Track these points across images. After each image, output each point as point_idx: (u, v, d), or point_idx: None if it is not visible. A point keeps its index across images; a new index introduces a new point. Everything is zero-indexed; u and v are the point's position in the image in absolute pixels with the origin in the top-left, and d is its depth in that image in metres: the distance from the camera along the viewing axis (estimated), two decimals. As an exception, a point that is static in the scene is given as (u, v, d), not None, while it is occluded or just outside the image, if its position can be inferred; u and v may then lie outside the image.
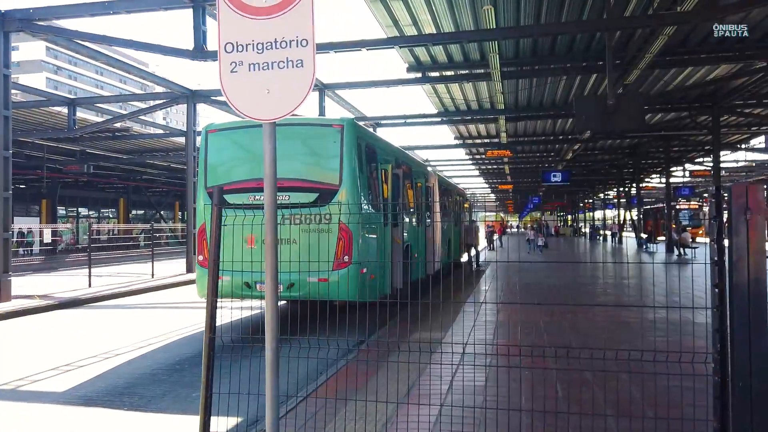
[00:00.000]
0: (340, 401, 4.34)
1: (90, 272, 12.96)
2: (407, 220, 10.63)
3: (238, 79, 2.79)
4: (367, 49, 11.92)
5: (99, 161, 25.12)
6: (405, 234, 10.26)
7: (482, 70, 13.94)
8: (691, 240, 22.76)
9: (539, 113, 20.13)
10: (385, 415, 4.07)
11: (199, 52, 9.86)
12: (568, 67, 13.81)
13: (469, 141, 27.15)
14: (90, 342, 7.48)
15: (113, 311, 10.34)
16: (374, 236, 8.33)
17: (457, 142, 27.68)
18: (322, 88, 15.93)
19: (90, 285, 12.68)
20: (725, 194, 2.55)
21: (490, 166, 37.50)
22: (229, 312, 8.64)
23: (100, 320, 9.44)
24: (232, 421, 4.09)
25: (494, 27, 10.33)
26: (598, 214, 57.24)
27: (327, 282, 7.43)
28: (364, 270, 7.75)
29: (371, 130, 22.02)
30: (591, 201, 59.41)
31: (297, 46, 2.71)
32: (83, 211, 34.95)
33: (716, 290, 2.52)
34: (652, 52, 11.84)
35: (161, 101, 16.59)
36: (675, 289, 10.46)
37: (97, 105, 18.08)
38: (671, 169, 35.18)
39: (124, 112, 18.82)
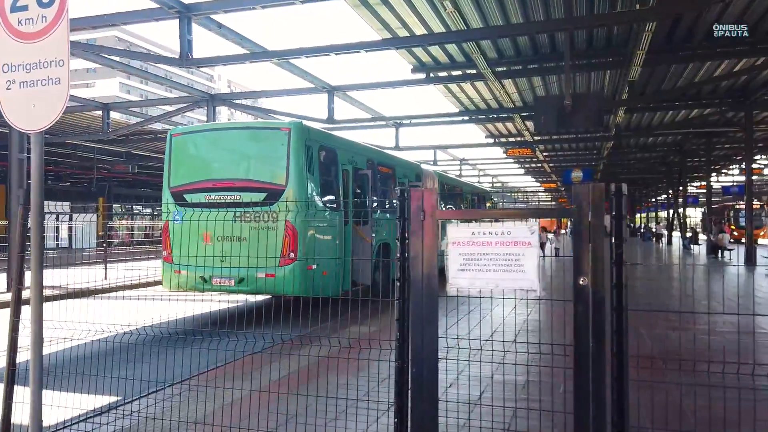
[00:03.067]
0: (210, 388, 4.76)
1: None
2: (384, 217, 10.92)
3: (12, 95, 3.20)
4: (366, 51, 12.21)
5: (145, 161, 26.77)
6: (383, 233, 10.59)
7: (475, 71, 14.01)
8: (729, 241, 21.63)
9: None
10: (232, 398, 4.45)
11: (185, 59, 10.56)
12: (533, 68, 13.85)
13: (502, 139, 26.91)
14: None
15: None
16: (328, 234, 8.70)
17: (488, 140, 27.55)
18: (331, 90, 16.38)
19: None
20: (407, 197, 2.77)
21: (533, 165, 36.91)
22: (192, 304, 9.30)
23: None
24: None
25: (464, 29, 10.46)
26: (662, 213, 54.85)
27: (274, 277, 7.87)
28: (313, 266, 8.14)
29: (394, 130, 22.45)
30: (653, 200, 57.07)
31: (55, 66, 3.11)
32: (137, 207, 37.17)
33: (397, 283, 2.76)
34: (643, 49, 11.60)
35: (183, 105, 17.61)
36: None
37: (131, 109, 19.41)
38: (717, 167, 33.48)
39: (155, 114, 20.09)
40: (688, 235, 28.58)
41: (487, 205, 22.80)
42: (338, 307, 7.30)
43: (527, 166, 38.35)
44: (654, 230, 40.12)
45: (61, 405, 4.05)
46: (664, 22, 11.95)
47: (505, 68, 13.98)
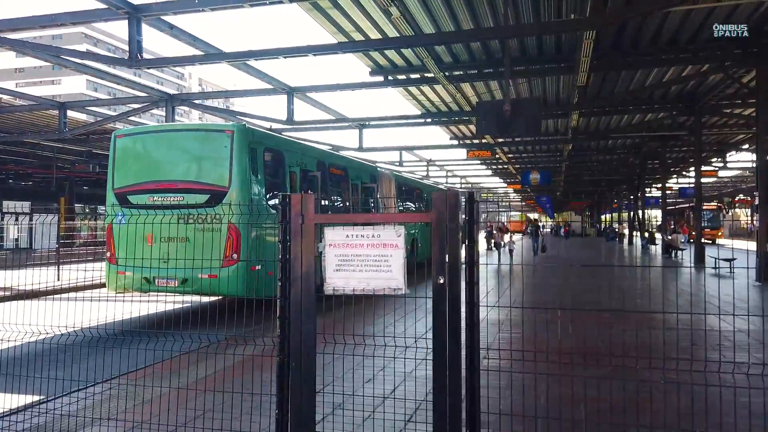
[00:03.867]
0: (133, 386, 4.88)
1: None
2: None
3: None
4: (315, 54, 12.36)
5: (107, 161, 26.30)
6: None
7: (431, 74, 14.28)
8: (681, 242, 22.37)
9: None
10: (152, 395, 4.58)
11: (135, 60, 10.56)
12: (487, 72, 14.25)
13: (466, 141, 27.30)
14: None
15: None
16: (274, 235, 8.83)
17: (453, 142, 27.94)
18: (290, 91, 16.48)
19: None
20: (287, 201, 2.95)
21: (499, 166, 37.49)
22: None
23: None
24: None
25: (413, 34, 10.71)
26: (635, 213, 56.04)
27: (217, 278, 7.98)
28: (257, 267, 8.27)
29: (361, 130, 22.59)
30: (617, 202, 58.39)
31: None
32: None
33: (279, 283, 2.95)
34: (587, 56, 12.01)
35: (142, 104, 17.50)
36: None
37: (90, 108, 19.17)
38: (675, 169, 34.47)
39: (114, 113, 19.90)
40: (646, 235, 29.43)
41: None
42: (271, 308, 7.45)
43: (494, 167, 38.96)
44: (617, 231, 41.11)
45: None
46: (607, 30, 12.43)
47: (460, 72, 14.30)
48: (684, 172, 38.99)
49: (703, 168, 33.07)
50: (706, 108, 18.61)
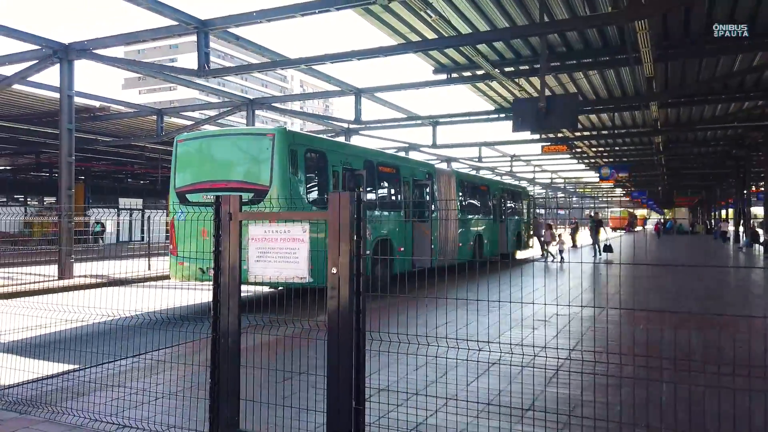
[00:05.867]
0: (160, 362, 5.68)
1: None
2: (385, 214, 11.56)
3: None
4: (384, 56, 12.81)
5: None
6: (381, 229, 11.26)
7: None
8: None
9: (601, 106, 19.58)
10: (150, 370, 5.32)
11: (202, 70, 11.66)
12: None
13: (543, 135, 26.62)
14: None
15: None
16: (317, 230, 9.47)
17: (533, 137, 27.33)
18: (357, 92, 17.14)
19: None
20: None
21: (590, 159, 35.97)
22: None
23: None
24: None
25: (454, 35, 10.88)
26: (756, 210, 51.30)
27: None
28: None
29: (430, 128, 22.84)
30: (727, 196, 53.64)
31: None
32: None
33: (214, 271, 3.45)
34: (647, 47, 11.50)
35: (226, 109, 18.95)
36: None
37: (184, 113, 21.12)
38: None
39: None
40: (743, 233, 27.08)
41: (524, 202, 22.78)
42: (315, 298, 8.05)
43: (586, 161, 37.42)
44: (721, 228, 38.01)
45: None
46: (666, 17, 11.84)
47: (512, 68, 14.22)
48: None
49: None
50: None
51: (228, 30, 12.04)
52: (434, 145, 23.07)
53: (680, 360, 5.29)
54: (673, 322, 7.62)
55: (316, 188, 9.85)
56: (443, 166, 31.20)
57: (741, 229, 32.34)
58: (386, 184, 12.37)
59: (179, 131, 20.80)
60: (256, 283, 3.63)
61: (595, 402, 4.35)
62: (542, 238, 19.15)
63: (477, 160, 30.24)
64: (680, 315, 7.86)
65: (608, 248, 18.79)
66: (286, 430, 3.58)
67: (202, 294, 10.39)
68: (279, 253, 3.27)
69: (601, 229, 20.74)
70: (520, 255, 21.41)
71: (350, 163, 10.61)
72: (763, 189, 27.44)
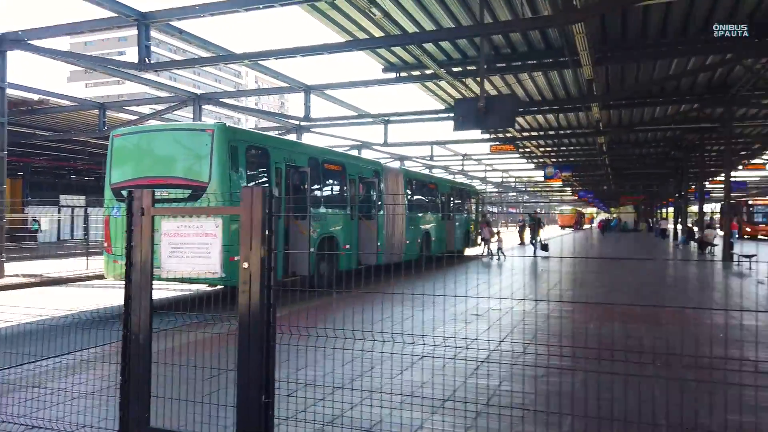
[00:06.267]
0: (84, 361, 5.53)
1: None
2: (327, 212, 11.57)
3: None
4: (328, 53, 12.78)
5: None
6: (327, 227, 11.26)
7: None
8: (713, 238, 21.49)
9: (543, 107, 20.11)
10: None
11: (143, 64, 11.38)
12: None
13: (493, 135, 27.14)
14: None
15: None
16: None
17: (483, 136, 27.82)
18: (307, 89, 17.06)
19: None
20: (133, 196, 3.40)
21: (538, 159, 36.87)
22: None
23: None
24: None
25: (400, 33, 11.00)
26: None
27: (199, 266, 8.60)
28: (234, 258, 8.81)
29: (386, 125, 22.92)
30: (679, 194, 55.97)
31: None
32: None
33: (126, 267, 3.41)
34: (585, 50, 11.89)
35: (171, 104, 18.52)
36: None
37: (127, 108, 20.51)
38: (711, 164, 32.82)
39: None
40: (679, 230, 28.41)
41: (472, 201, 23.18)
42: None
43: (535, 160, 38.33)
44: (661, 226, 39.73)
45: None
46: (604, 22, 12.30)
47: (460, 68, 14.47)
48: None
49: (754, 161, 31.60)
50: (737, 98, 17.80)
51: (170, 23, 11.78)
52: (386, 144, 23.18)
53: (603, 350, 5.53)
54: (599, 314, 7.94)
55: (258, 185, 9.77)
56: (396, 164, 31.40)
57: (680, 227, 33.87)
58: (332, 182, 12.38)
59: (123, 126, 20.20)
60: (168, 279, 3.60)
61: (512, 392, 4.52)
62: (482, 236, 19.49)
63: (429, 158, 30.52)
64: (606, 306, 8.19)
65: (545, 247, 19.32)
66: (197, 425, 3.56)
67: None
68: (192, 248, 3.26)
69: (540, 227, 21.23)
70: (468, 252, 21.78)
71: (294, 161, 10.57)
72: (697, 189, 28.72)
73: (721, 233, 23.66)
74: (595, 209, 75.37)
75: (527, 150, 30.10)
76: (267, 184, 9.87)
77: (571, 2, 8.46)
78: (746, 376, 4.76)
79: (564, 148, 31.88)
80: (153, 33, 11.43)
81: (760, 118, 20.36)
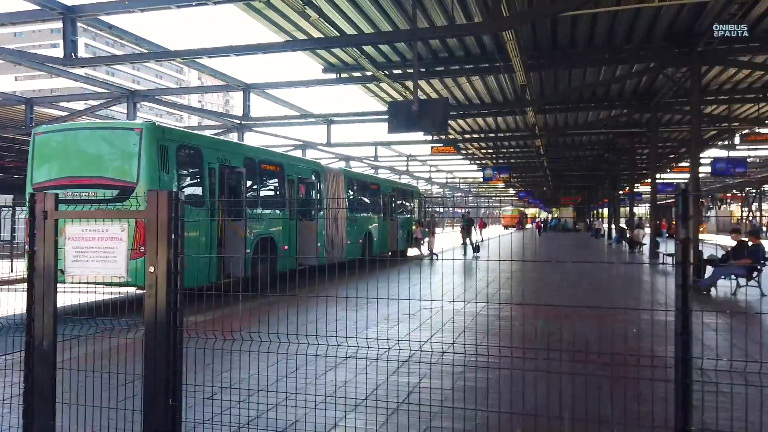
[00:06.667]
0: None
1: None
2: (264, 212, 11.48)
3: None
4: (262, 53, 12.67)
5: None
6: (264, 227, 11.17)
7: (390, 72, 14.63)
8: (642, 237, 22.62)
9: (481, 110, 20.62)
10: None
11: (69, 59, 10.95)
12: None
13: (435, 137, 27.59)
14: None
15: None
16: (187, 229, 9.24)
17: (426, 138, 28.22)
18: (246, 88, 16.84)
19: None
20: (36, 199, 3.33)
21: (482, 161, 37.72)
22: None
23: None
24: None
25: (337, 35, 11.07)
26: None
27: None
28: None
29: (329, 126, 22.88)
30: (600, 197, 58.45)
31: None
32: None
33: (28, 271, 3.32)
34: (516, 56, 12.30)
35: (104, 100, 17.89)
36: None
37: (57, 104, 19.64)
38: (642, 167, 34.61)
39: None
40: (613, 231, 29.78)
41: (415, 201, 23.49)
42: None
43: (478, 162, 39.18)
44: (595, 226, 41.45)
45: None
46: (535, 30, 12.77)
47: (400, 71, 14.67)
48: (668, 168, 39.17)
49: (680, 165, 33.43)
50: (662, 105, 18.79)
51: (99, 18, 11.39)
52: (329, 144, 23.16)
53: (526, 348, 5.77)
54: (524, 312, 8.26)
55: (190, 186, 9.60)
56: (341, 165, 31.41)
57: (614, 226, 35.46)
58: (270, 182, 12.29)
59: (52, 122, 19.32)
60: (74, 283, 3.53)
61: (430, 388, 4.66)
62: (414, 236, 19.70)
63: (374, 159, 30.69)
64: (530, 305, 8.53)
65: (477, 248, 19.81)
66: (104, 429, 3.51)
67: (63, 297, 9.79)
68: (97, 252, 3.22)
69: (473, 228, 21.65)
70: (411, 252, 22.05)
71: (229, 161, 10.44)
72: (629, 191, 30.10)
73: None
74: (537, 209, 77.69)
75: (470, 152, 30.74)
76: (200, 185, 9.71)
77: (498, 11, 8.74)
78: (644, 370, 5.09)
79: (504, 150, 32.76)
80: (90, 26, 11.02)
81: (684, 124, 21.52)
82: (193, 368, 4.67)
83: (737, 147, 22.15)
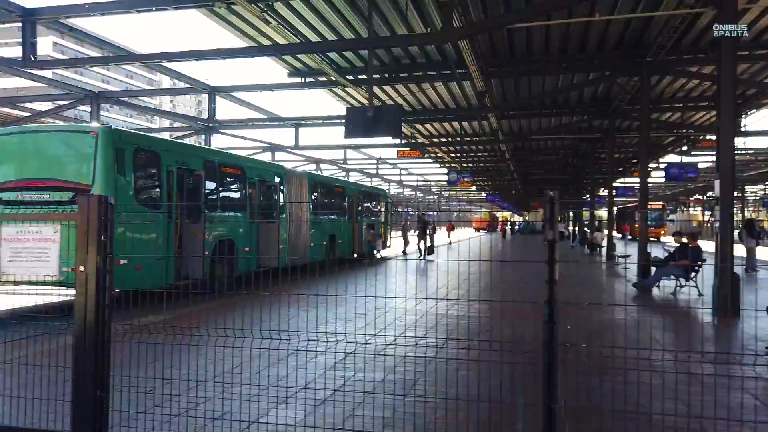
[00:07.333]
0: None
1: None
2: (224, 215, 11.63)
3: None
4: (222, 58, 12.86)
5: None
6: (224, 230, 11.34)
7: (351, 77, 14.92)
8: (601, 239, 23.33)
9: (447, 116, 21.08)
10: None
11: (28, 61, 10.98)
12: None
13: (404, 141, 27.94)
14: None
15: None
16: (142, 231, 9.36)
17: (395, 141, 28.56)
18: (212, 91, 16.94)
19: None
20: None
21: (452, 165, 38.24)
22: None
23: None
24: None
25: (300, 41, 11.33)
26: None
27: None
28: (122, 261, 8.77)
29: (297, 129, 23.04)
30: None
31: None
32: None
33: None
34: (473, 64, 12.70)
35: (69, 101, 17.81)
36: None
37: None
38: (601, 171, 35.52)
39: None
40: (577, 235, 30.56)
41: (382, 204, 23.80)
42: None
43: (449, 165, 39.71)
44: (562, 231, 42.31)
45: None
46: (492, 39, 13.21)
47: (364, 76, 14.97)
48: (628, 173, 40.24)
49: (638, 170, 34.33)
50: (618, 112, 19.45)
51: (60, 21, 11.44)
52: (297, 147, 23.31)
53: (459, 339, 6.09)
54: (474, 309, 8.60)
55: (147, 188, 9.73)
56: (311, 168, 31.57)
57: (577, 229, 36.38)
58: (231, 185, 12.46)
59: (15, 123, 19.12)
60: (8, 283, 3.71)
61: (364, 381, 4.94)
62: (366, 238, 19.91)
63: (343, 162, 30.92)
64: (478, 302, 8.89)
65: (431, 250, 20.19)
66: (36, 421, 3.70)
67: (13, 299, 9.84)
68: (32, 252, 3.41)
69: (428, 231, 21.84)
70: (377, 255, 22.33)
71: (188, 164, 10.59)
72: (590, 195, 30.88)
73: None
74: (509, 213, 78.69)
75: (438, 155, 31.18)
76: (158, 188, 9.84)
77: (450, 22, 9.10)
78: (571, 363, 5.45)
79: (473, 155, 33.34)
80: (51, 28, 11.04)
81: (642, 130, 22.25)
82: (137, 364, 4.87)
83: (692, 153, 22.99)
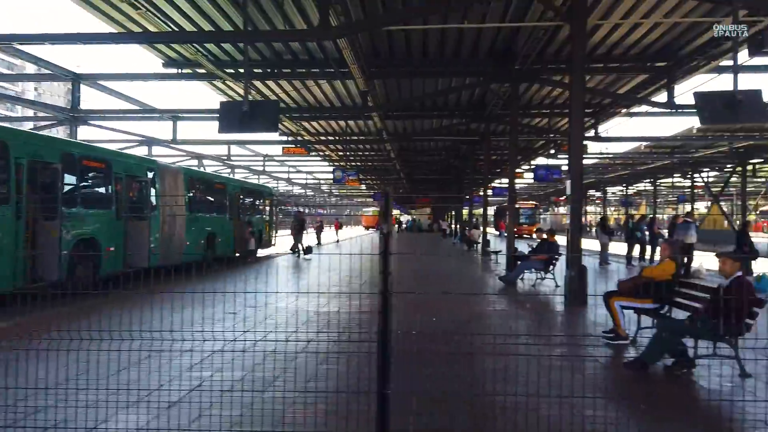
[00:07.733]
0: None
1: None
2: (84, 211, 10.80)
3: None
4: (84, 43, 11.87)
5: None
6: (83, 227, 10.51)
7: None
8: (478, 236, 24.62)
9: (332, 113, 21.13)
10: None
11: None
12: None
13: (290, 138, 27.65)
14: None
15: None
16: None
17: (281, 138, 28.15)
18: (76, 78, 15.66)
19: None
20: None
21: (341, 163, 38.39)
22: None
23: None
24: None
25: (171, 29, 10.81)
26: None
27: None
28: None
29: (175, 122, 21.90)
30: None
31: None
32: None
33: None
34: (353, 64, 12.83)
35: None
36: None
37: None
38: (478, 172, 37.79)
39: None
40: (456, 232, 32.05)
41: (266, 201, 23.38)
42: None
43: (337, 164, 39.81)
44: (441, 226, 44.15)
45: None
46: (374, 40, 13.46)
47: (243, 70, 14.57)
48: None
49: (517, 170, 36.71)
50: (492, 116, 20.61)
51: None
52: (174, 141, 22.19)
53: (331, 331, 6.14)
54: (350, 304, 8.72)
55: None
56: (193, 163, 30.23)
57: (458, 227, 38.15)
58: (93, 180, 11.61)
59: None
60: None
61: (222, 380, 4.83)
62: (243, 236, 19.57)
63: (227, 158, 29.95)
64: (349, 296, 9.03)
65: (309, 250, 20.32)
66: None
67: None
68: None
69: (304, 229, 21.85)
70: (262, 253, 21.90)
71: (42, 155, 9.70)
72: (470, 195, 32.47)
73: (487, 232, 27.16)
74: (397, 211, 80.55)
75: (326, 153, 31.18)
76: (5, 181, 8.93)
77: (326, 20, 9.14)
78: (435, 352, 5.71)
79: (360, 153, 33.73)
80: None
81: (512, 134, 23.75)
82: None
83: (557, 156, 24.94)
